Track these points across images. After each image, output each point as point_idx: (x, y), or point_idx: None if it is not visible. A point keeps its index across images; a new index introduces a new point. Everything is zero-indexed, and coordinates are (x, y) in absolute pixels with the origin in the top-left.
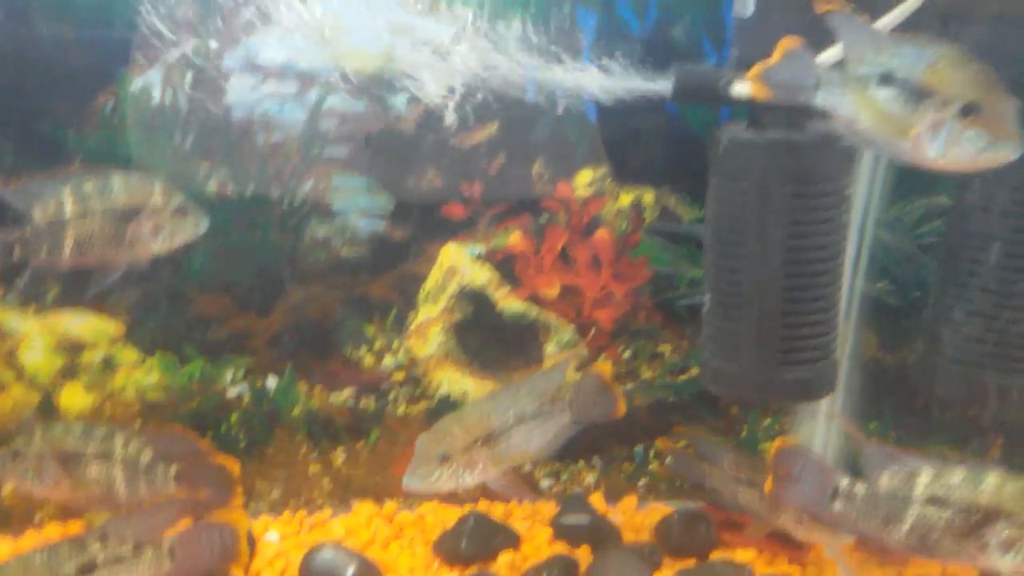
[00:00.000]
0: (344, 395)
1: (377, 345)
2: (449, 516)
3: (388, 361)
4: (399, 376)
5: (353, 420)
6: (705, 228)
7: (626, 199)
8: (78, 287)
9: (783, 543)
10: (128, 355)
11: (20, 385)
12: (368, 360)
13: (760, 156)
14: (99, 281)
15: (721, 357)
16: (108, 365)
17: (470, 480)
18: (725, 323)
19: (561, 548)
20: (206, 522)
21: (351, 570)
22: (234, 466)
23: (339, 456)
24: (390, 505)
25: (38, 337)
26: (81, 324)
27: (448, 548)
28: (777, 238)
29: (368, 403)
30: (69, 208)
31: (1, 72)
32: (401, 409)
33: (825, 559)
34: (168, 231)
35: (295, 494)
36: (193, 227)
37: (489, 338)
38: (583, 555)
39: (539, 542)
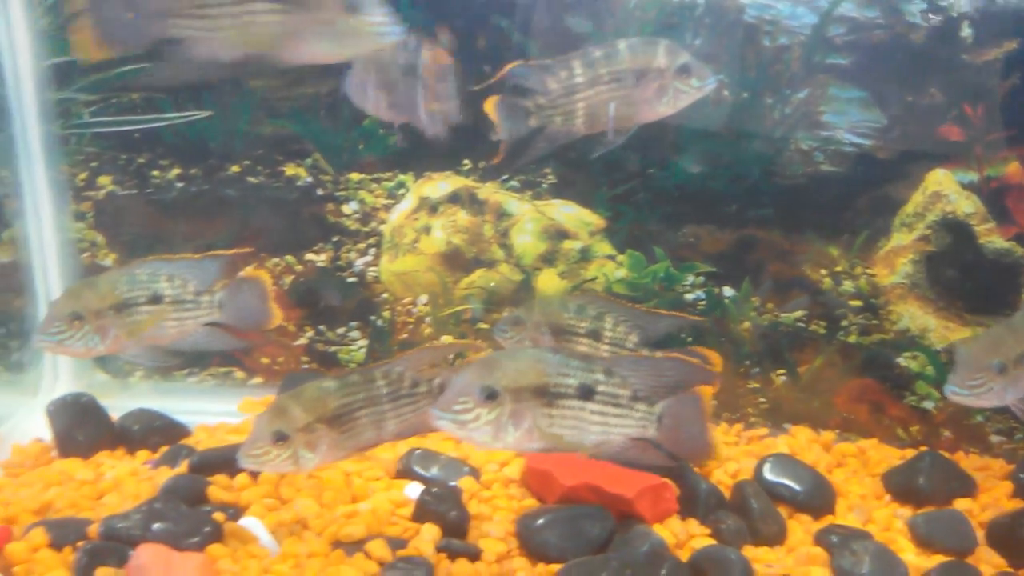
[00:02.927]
0: (795, 315)
1: (838, 268)
2: (891, 454)
3: (847, 286)
4: (856, 303)
5: (800, 342)
6: None
7: None
8: (566, 182)
9: None
10: (603, 248)
11: (508, 264)
12: (827, 283)
13: None
14: (604, 143)
15: None
16: (584, 256)
17: (1011, 396)
18: None
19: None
20: (689, 395)
21: (808, 480)
22: (716, 357)
23: (779, 377)
24: (827, 434)
25: (530, 222)
26: (568, 214)
27: (900, 483)
28: None
29: (818, 327)
30: (580, 75)
31: None
32: (852, 338)
33: None
34: (672, 92)
35: (731, 407)
36: (698, 86)
37: (963, 275)
38: None
39: (998, 494)
